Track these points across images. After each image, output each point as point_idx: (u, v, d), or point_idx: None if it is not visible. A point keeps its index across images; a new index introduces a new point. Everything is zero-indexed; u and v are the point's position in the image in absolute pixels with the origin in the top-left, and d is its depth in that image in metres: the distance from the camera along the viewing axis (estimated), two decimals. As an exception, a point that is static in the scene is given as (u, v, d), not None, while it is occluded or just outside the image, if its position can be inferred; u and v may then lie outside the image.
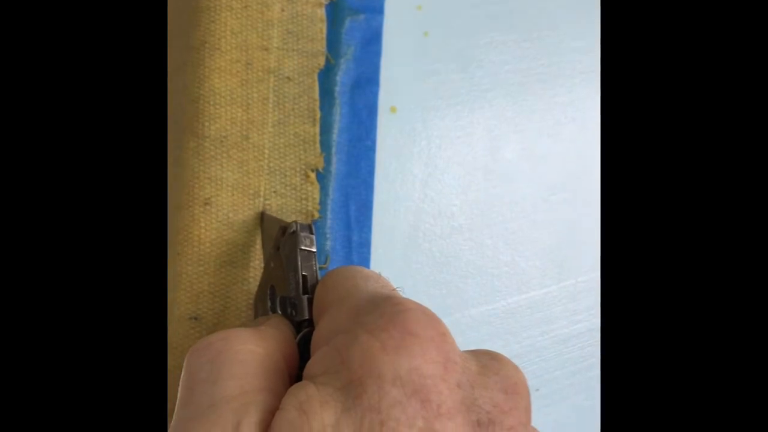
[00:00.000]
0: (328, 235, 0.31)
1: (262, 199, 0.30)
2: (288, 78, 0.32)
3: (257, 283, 0.29)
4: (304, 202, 0.31)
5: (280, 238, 0.26)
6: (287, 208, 0.30)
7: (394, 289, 0.22)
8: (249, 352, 0.21)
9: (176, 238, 0.29)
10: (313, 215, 0.31)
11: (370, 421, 0.17)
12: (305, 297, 0.24)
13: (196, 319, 0.28)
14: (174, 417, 0.20)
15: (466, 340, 0.32)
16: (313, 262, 0.25)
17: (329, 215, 0.31)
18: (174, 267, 0.29)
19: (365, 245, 0.31)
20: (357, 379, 0.18)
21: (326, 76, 0.32)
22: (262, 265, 0.29)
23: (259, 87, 0.31)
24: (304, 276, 0.24)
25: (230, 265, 0.29)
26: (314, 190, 0.31)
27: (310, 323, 0.23)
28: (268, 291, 0.26)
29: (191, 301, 0.28)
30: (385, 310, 0.19)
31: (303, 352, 0.23)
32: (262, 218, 0.29)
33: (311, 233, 0.25)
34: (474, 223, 0.34)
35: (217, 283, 0.29)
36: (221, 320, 0.28)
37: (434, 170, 0.33)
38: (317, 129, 0.31)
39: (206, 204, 0.29)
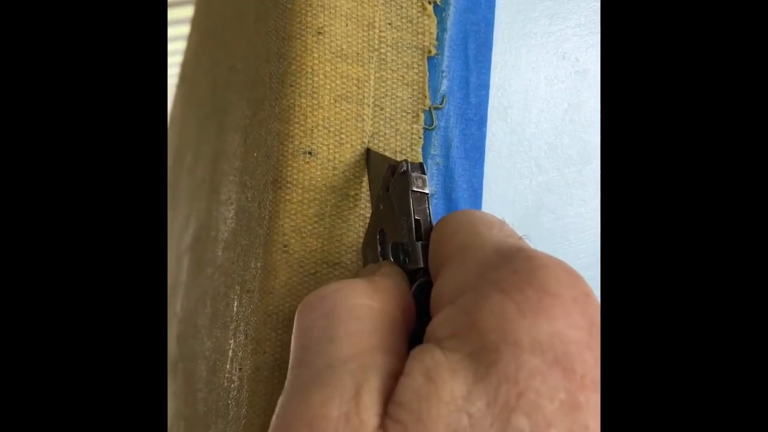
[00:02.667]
0: (444, 74, 0.29)
1: (377, 30, 0.28)
2: None
3: (371, 121, 0.28)
4: (420, 36, 0.28)
5: (390, 179, 0.23)
6: (403, 42, 0.28)
7: (521, 238, 0.19)
8: (365, 307, 0.19)
9: (288, 68, 0.27)
10: (429, 51, 0.28)
11: (506, 393, 0.15)
12: (419, 243, 0.21)
13: (310, 153, 0.27)
14: (289, 374, 0.19)
15: (586, 194, 0.30)
16: (427, 205, 0.22)
17: (446, 52, 0.29)
18: (286, 99, 0.27)
19: (484, 87, 0.29)
20: (490, 345, 0.16)
21: None
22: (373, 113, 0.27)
23: None
24: (417, 220, 0.22)
25: (344, 99, 0.27)
26: (431, 24, 0.28)
27: (426, 272, 0.21)
28: (377, 235, 0.24)
29: (305, 135, 0.27)
30: (519, 265, 0.17)
31: (418, 303, 0.21)
32: (368, 156, 0.27)
33: (423, 173, 0.23)
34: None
35: (331, 118, 0.27)
36: (336, 156, 0.27)
37: (560, 8, 0.30)
38: (435, -43, 0.29)
39: (319, 33, 0.27)
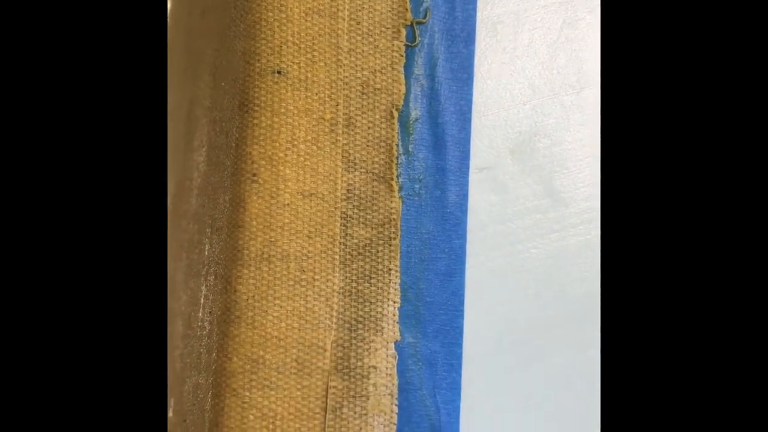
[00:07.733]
0: (427, -15, 0.26)
1: (350, -64, 0.25)
2: None
3: (347, 37, 0.25)
4: (399, -57, 0.26)
5: None
6: (380, -50, 0.26)
7: None
8: None
9: (253, -21, 0.25)
10: (410, -40, 0.26)
11: None
12: None
13: (279, 72, 0.24)
14: None
15: (585, 118, 0.28)
16: None
17: (429, -39, 0.26)
18: (252, 14, 0.25)
19: (471, 0, 0.27)
20: None
21: None
22: (351, 20, 0.25)
23: None
24: None
25: (316, 13, 0.25)
26: (411, -70, 0.26)
27: None
28: None
29: (273, 53, 0.24)
30: None
31: None
32: None
33: None
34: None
35: (302, 33, 0.24)
36: (309, 76, 0.24)
37: None
38: None
39: (286, -61, 0.24)
